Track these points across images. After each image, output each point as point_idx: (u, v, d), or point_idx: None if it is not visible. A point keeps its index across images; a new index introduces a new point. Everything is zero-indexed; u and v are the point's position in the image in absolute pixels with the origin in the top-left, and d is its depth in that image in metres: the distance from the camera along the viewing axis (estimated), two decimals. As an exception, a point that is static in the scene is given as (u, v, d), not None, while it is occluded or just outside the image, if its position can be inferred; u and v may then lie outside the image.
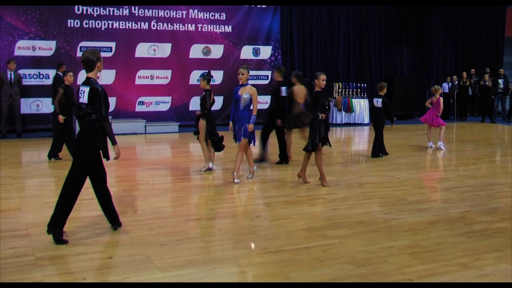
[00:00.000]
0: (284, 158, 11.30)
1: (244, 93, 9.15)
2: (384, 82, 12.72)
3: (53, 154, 11.29)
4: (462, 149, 14.21)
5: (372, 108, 12.58)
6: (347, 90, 20.42)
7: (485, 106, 21.51)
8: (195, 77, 17.71)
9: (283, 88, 11.36)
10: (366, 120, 20.04)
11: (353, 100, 20.17)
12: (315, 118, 8.84)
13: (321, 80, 8.90)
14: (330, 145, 9.27)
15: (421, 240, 6.17)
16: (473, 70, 22.59)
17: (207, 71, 11.14)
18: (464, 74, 22.05)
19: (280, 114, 11.15)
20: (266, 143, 11.33)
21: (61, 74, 15.71)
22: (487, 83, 21.05)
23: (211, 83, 10.43)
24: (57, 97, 11.07)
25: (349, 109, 20.01)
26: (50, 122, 16.24)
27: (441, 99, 13.49)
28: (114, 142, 6.13)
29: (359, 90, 20.62)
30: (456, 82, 21.99)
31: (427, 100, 15.20)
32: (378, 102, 12.15)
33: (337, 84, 20.31)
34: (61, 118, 10.84)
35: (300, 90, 10.98)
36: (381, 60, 22.31)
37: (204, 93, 10.19)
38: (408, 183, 9.46)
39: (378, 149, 12.12)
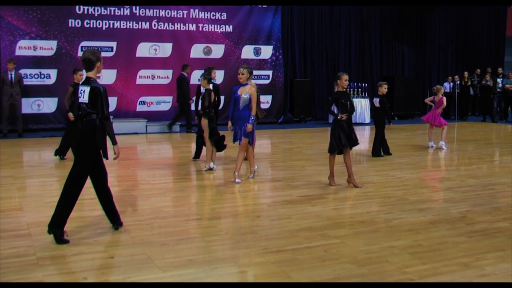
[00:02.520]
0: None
1: (243, 92, 9.14)
2: (384, 81, 12.69)
3: (60, 152, 11.30)
4: (463, 148, 14.20)
5: (372, 108, 12.58)
6: (348, 89, 20.37)
7: (486, 106, 21.49)
8: (196, 76, 17.68)
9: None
10: (367, 119, 20.02)
11: (354, 99, 20.11)
12: (336, 118, 8.81)
13: (344, 80, 8.82)
14: (357, 143, 8.99)
15: (422, 239, 6.17)
16: (478, 70, 22.51)
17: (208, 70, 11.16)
18: (466, 73, 22.02)
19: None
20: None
21: (185, 74, 16.43)
22: (489, 82, 21.04)
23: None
24: (67, 95, 11.15)
25: (350, 108, 19.99)
26: (51, 122, 16.34)
27: (444, 98, 13.49)
28: (114, 142, 6.13)
29: (360, 89, 20.61)
30: (458, 81, 21.97)
31: (427, 98, 15.16)
32: (376, 102, 12.15)
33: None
34: (71, 115, 10.87)
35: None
36: (382, 59, 22.30)
37: (203, 93, 10.23)
38: (409, 182, 9.46)
39: (378, 149, 12.11)
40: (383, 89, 12.11)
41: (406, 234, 6.40)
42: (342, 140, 8.69)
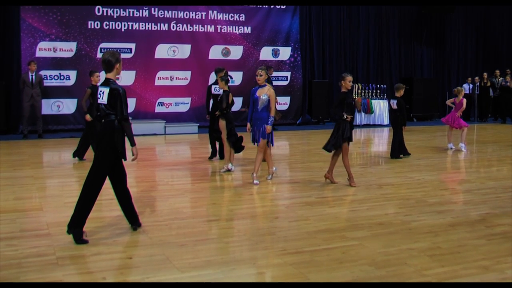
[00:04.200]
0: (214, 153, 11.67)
1: (262, 94, 9.14)
2: (401, 83, 12.64)
3: (78, 154, 11.39)
4: (483, 150, 14.08)
5: (390, 110, 12.54)
6: (366, 91, 20.36)
7: (505, 107, 21.26)
8: (214, 78, 17.69)
9: (213, 86, 11.70)
10: (386, 121, 19.93)
11: (373, 101, 20.09)
12: (340, 118, 8.85)
13: (348, 81, 8.97)
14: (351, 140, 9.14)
15: (441, 242, 6.12)
16: (497, 71, 22.22)
17: (224, 72, 11.20)
18: (485, 74, 21.81)
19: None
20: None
21: (269, 75, 16.56)
22: (508, 83, 20.82)
23: (230, 83, 10.50)
24: (85, 97, 11.24)
25: (368, 110, 19.94)
26: (71, 123, 16.49)
27: (464, 100, 13.38)
28: (132, 144, 6.15)
29: (378, 91, 20.55)
30: (478, 83, 21.77)
31: (448, 100, 15.04)
32: (394, 104, 12.11)
33: (356, 85, 20.25)
34: (88, 117, 10.96)
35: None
36: (400, 60, 22.18)
37: (221, 94, 10.25)
38: (428, 184, 9.39)
39: (397, 150, 12.06)
40: (401, 91, 12.08)
41: (425, 236, 6.35)
42: (344, 135, 8.87)
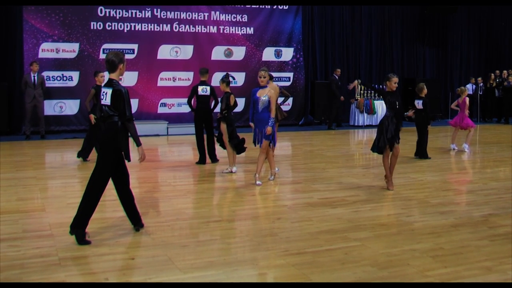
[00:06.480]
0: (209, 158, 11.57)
1: (263, 95, 9.13)
2: (422, 83, 12.68)
3: (82, 154, 11.39)
4: (485, 151, 14.05)
5: (415, 110, 12.49)
6: (369, 91, 20.31)
7: (508, 107, 21.20)
8: (217, 78, 17.70)
9: (200, 87, 11.68)
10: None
11: (375, 102, 20.03)
12: (386, 117, 8.84)
13: (393, 82, 8.84)
14: (398, 142, 8.93)
15: (443, 243, 6.12)
16: (497, 71, 22.14)
17: (225, 73, 11.18)
18: (492, 75, 21.72)
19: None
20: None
21: (336, 77, 18.35)
22: (511, 83, 20.78)
23: (232, 84, 10.49)
24: (89, 97, 11.20)
25: (371, 111, 19.90)
26: (73, 124, 16.51)
27: (467, 99, 13.41)
28: (138, 144, 6.15)
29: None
30: (481, 84, 21.71)
31: (450, 101, 15.04)
32: (419, 104, 12.14)
33: (359, 86, 20.21)
34: (92, 117, 10.94)
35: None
36: (403, 61, 22.14)
37: (222, 96, 10.28)
38: (431, 185, 9.39)
39: (424, 150, 12.14)
40: (424, 90, 12.13)
41: (428, 237, 6.35)
42: (388, 135, 8.70)
